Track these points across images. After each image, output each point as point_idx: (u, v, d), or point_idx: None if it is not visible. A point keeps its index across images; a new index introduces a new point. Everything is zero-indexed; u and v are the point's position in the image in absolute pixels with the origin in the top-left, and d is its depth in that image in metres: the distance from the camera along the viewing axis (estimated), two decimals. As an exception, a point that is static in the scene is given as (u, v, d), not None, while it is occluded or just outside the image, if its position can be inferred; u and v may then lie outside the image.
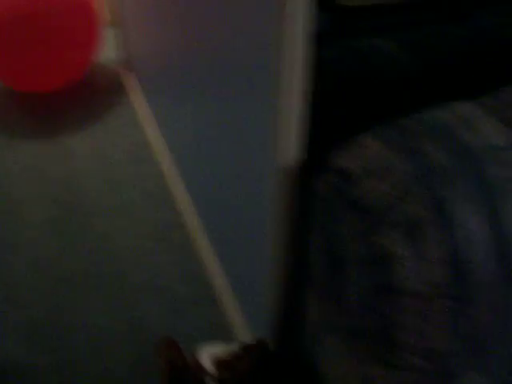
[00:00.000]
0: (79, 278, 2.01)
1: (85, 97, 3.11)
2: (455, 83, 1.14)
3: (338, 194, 0.96)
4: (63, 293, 1.96)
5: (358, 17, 1.31)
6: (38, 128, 2.87)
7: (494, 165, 0.87)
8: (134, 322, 1.84)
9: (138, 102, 2.94)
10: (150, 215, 2.28)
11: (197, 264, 2.03)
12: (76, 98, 3.10)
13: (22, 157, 2.65)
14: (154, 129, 2.66)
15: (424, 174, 0.86)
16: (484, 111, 0.98)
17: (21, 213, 2.31)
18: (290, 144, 1.01)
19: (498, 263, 0.83)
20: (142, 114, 2.88)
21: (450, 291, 0.82)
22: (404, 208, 0.84)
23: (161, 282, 1.98)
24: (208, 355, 0.98)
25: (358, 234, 0.91)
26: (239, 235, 1.55)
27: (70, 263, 2.07)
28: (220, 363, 0.94)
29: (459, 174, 0.86)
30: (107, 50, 3.49)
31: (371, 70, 1.11)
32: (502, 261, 0.83)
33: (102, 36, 3.08)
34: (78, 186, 2.45)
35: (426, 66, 1.14)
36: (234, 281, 1.74)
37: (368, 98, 1.07)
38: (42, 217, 2.29)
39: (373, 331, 0.92)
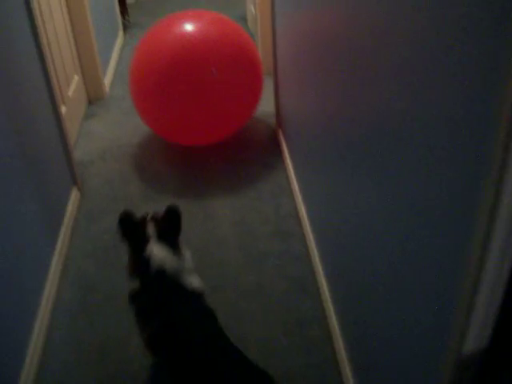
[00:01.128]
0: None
1: (236, 153, 3.00)
2: None
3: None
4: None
5: None
6: (184, 183, 2.78)
7: None
8: None
9: (287, 163, 2.77)
10: (287, 303, 2.05)
11: (332, 370, 1.77)
12: (227, 154, 3.00)
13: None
14: (301, 198, 2.46)
15: None
16: None
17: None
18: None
19: None
20: (291, 179, 2.69)
21: None
22: None
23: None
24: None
25: None
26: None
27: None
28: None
29: None
30: (263, 102, 3.39)
31: None
32: None
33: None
34: (214, 253, 2.30)
35: None
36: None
37: None
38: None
39: None
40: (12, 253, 1.78)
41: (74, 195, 2.65)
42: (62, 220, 2.42)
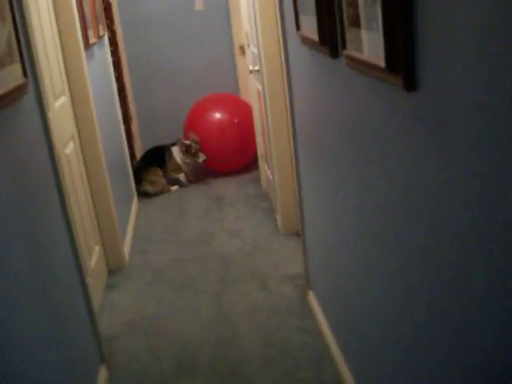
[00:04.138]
0: None
1: (265, 319, 2.87)
2: None
3: None
4: None
5: None
6: (218, 354, 2.62)
7: None
8: None
9: (322, 325, 2.62)
10: None
11: None
12: (255, 320, 2.87)
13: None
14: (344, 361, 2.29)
15: None
16: None
17: None
18: None
19: None
20: (329, 342, 2.53)
21: None
22: None
23: None
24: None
25: None
26: None
27: None
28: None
29: None
30: (292, 262, 3.33)
31: None
32: None
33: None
34: None
35: None
36: None
37: None
38: None
39: None
40: None
41: (103, 374, 2.46)
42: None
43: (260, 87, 3.83)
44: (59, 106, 2.90)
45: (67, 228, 2.35)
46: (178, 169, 4.94)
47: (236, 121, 4.91)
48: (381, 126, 1.42)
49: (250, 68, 3.98)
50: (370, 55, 1.31)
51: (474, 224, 0.98)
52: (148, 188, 4.81)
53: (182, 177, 4.99)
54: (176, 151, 4.90)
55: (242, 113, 4.98)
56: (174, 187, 4.96)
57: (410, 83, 1.13)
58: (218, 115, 4.97)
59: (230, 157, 4.99)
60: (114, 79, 4.36)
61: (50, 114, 2.51)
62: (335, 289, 2.37)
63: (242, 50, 5.05)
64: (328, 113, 2.01)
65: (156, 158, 4.93)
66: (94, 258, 3.25)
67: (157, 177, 4.84)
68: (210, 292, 3.21)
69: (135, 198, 4.63)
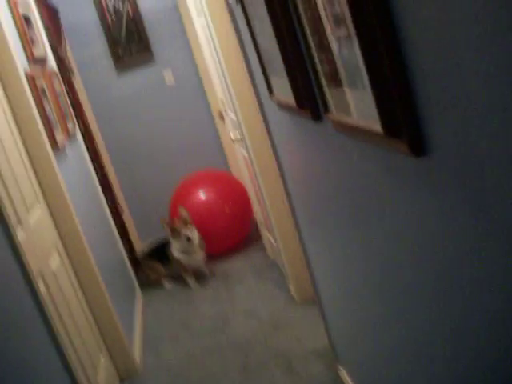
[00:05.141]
0: None
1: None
2: None
3: None
4: None
5: None
6: None
7: None
8: None
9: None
10: None
11: None
12: None
13: None
14: None
15: None
16: None
17: None
18: None
19: None
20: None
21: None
22: None
23: None
24: None
25: None
26: None
27: None
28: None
29: None
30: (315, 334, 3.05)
31: None
32: None
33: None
34: None
35: None
36: None
37: None
38: None
39: None
40: None
41: None
42: None
43: (246, 154, 3.62)
44: (35, 218, 2.68)
45: (58, 353, 2.09)
46: (183, 267, 4.34)
47: (227, 209, 4.60)
48: (383, 193, 1.18)
49: (233, 137, 3.78)
50: (360, 119, 1.08)
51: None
52: (149, 273, 4.52)
53: (167, 284, 4.46)
54: (172, 245, 4.35)
55: (230, 190, 4.74)
56: (168, 284, 4.46)
57: (418, 148, 0.90)
58: (203, 197, 4.68)
59: (225, 235, 4.67)
60: (95, 175, 4.15)
61: (21, 233, 2.28)
62: (369, 360, 2.10)
63: (221, 115, 4.87)
64: (320, 179, 1.78)
65: (160, 254, 4.52)
66: (101, 372, 2.97)
67: (156, 267, 4.51)
68: (233, 386, 2.92)
69: (138, 294, 4.35)
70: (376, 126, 0.97)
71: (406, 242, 1.16)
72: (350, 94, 1.12)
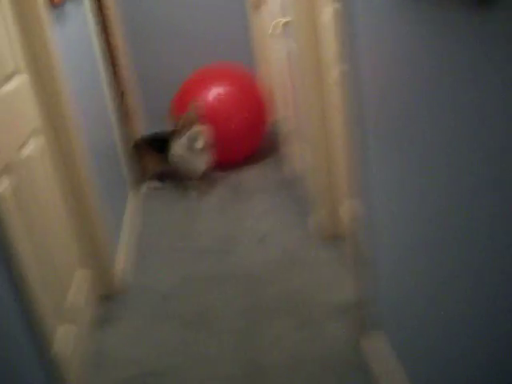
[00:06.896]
0: None
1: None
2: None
3: None
4: None
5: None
6: None
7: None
8: None
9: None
10: None
11: None
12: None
13: None
14: None
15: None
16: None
17: None
18: None
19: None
20: None
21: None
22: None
23: None
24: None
25: None
26: None
27: None
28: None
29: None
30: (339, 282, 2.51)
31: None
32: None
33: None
34: None
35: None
36: None
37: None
38: None
39: None
40: None
41: None
42: None
43: (288, 50, 2.93)
44: (10, 90, 2.03)
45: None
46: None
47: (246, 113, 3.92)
48: None
49: (272, 29, 3.04)
50: None
51: None
52: (144, 163, 3.97)
53: (156, 183, 4.00)
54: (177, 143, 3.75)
55: (250, 90, 4.05)
56: (153, 184, 4.00)
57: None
58: (221, 93, 3.93)
59: (238, 142, 4.00)
60: (99, 45, 3.43)
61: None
62: (426, 334, 1.54)
63: (257, 3, 4.08)
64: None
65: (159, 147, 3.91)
66: (73, 286, 2.42)
67: (153, 155, 3.93)
68: (234, 331, 2.38)
69: (131, 197, 3.70)
70: None
71: None
72: None
